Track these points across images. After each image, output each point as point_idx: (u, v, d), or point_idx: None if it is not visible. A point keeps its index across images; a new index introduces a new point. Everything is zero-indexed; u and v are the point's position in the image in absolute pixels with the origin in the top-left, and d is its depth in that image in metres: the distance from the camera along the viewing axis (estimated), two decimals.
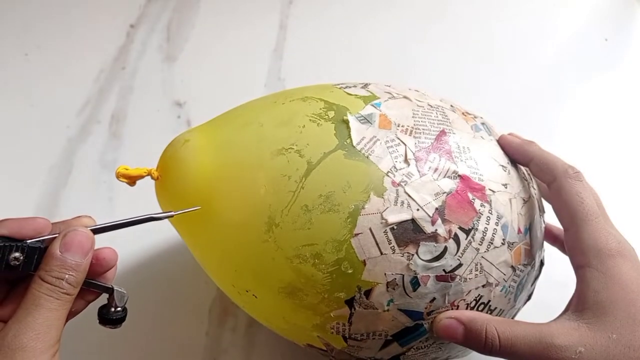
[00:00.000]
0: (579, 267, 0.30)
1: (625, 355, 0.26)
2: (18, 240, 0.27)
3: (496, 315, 0.32)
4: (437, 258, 0.29)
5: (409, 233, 0.29)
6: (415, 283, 0.29)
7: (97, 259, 0.29)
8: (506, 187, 0.32)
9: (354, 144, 0.31)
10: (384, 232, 0.29)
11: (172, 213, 0.32)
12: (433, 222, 0.29)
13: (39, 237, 0.28)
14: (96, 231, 0.29)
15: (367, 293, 0.30)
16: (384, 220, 0.29)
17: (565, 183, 0.31)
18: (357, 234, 0.29)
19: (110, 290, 0.30)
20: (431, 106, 0.34)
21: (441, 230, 0.29)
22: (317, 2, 0.65)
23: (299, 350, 0.42)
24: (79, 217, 0.30)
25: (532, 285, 0.35)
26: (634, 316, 0.27)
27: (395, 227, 0.29)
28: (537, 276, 0.35)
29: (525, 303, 0.36)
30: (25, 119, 0.55)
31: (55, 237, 0.28)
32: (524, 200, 0.33)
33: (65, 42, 0.60)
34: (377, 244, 0.29)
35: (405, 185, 0.30)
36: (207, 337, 0.43)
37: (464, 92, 0.57)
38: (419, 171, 0.30)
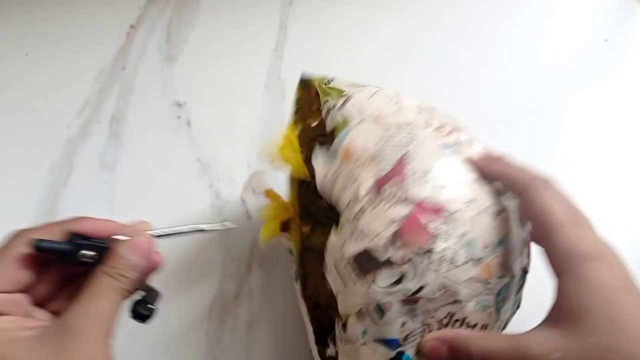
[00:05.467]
0: (555, 276, 0.30)
1: (605, 358, 0.26)
2: (87, 239, 0.30)
3: (480, 329, 0.32)
4: (395, 283, 0.30)
5: (365, 263, 0.30)
6: (380, 310, 0.30)
7: (150, 262, 0.31)
8: (469, 204, 0.31)
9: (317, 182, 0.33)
10: (344, 266, 0.31)
11: (230, 225, 0.34)
12: (387, 250, 0.30)
13: (107, 238, 0.30)
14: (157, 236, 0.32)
15: (344, 326, 0.31)
16: (342, 254, 0.31)
17: (531, 196, 0.31)
18: (327, 272, 0.31)
19: (149, 289, 0.32)
20: (399, 127, 0.34)
21: (396, 256, 0.30)
22: (317, 2, 0.65)
23: (298, 350, 0.42)
24: (143, 222, 0.32)
25: (517, 295, 0.35)
26: (611, 318, 0.26)
27: (352, 260, 0.30)
28: (521, 285, 0.35)
29: (513, 313, 0.35)
30: (25, 119, 0.55)
31: (117, 238, 0.30)
32: (494, 213, 0.32)
33: (65, 42, 0.60)
34: (340, 277, 0.31)
35: (360, 218, 0.31)
36: (207, 337, 0.43)
37: (462, 92, 0.57)
38: (373, 202, 0.31)
